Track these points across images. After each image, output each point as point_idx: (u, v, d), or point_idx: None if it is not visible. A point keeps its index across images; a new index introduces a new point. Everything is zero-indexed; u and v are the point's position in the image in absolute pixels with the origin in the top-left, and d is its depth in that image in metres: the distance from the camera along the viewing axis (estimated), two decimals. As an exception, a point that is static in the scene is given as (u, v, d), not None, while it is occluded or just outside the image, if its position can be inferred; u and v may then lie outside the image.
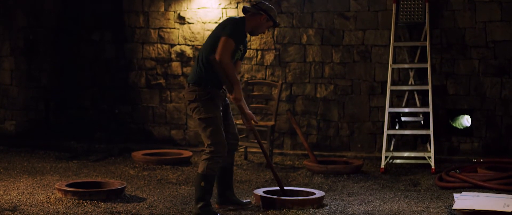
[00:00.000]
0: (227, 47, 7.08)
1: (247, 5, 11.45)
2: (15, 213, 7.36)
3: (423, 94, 10.76)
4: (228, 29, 7.12)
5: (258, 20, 7.38)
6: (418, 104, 10.84)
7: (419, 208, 7.73)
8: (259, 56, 11.60)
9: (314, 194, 7.94)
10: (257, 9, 7.38)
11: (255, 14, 7.39)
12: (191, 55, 11.94)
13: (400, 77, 11.09)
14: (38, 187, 8.72)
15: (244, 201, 7.72)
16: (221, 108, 7.32)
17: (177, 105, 12.09)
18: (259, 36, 11.54)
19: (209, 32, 11.60)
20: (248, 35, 7.49)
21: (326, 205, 7.85)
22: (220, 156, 7.16)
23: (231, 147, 7.48)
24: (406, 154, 10.51)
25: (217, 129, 7.15)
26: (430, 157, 10.11)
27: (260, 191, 7.91)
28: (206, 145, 7.17)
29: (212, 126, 7.14)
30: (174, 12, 12.00)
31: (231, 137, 7.48)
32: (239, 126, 9.98)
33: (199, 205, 7.16)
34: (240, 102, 7.27)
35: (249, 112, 7.59)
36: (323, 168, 9.83)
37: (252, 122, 7.60)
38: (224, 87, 7.28)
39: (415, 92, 10.85)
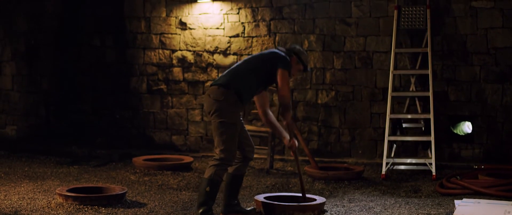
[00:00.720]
0: (288, 83, 7.28)
1: (248, 12, 11.47)
2: (16, 218, 7.38)
3: (424, 100, 10.76)
4: (283, 63, 7.27)
5: (291, 63, 7.44)
6: (419, 110, 10.84)
7: (420, 215, 7.74)
8: (260, 62, 11.59)
9: (315, 200, 7.93)
10: (289, 52, 7.44)
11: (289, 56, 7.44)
12: (192, 61, 11.95)
13: (401, 84, 11.08)
14: (39, 192, 8.72)
15: (248, 209, 7.69)
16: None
17: (178, 111, 12.09)
18: (260, 41, 11.55)
19: (211, 38, 11.72)
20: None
21: (327, 211, 7.84)
22: (228, 164, 7.17)
23: (248, 155, 7.46)
24: (407, 160, 10.50)
25: (233, 137, 7.14)
26: (431, 164, 10.10)
27: (261, 197, 7.91)
28: (217, 150, 7.15)
29: (229, 132, 7.12)
30: (176, 17, 12.01)
31: (248, 148, 7.46)
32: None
33: (200, 210, 7.14)
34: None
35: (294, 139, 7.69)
36: (324, 174, 9.82)
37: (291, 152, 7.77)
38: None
39: (416, 99, 10.85)
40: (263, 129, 10.65)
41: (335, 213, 7.79)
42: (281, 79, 7.20)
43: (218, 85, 7.19)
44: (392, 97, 10.50)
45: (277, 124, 7.56)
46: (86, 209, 7.75)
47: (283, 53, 7.37)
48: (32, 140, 12.11)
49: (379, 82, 11.15)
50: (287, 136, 7.54)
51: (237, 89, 7.14)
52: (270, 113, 7.52)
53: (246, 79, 7.21)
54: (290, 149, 7.62)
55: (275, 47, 7.84)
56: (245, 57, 7.79)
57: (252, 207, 7.77)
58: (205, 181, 7.14)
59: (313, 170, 9.95)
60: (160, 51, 12.13)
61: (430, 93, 10.28)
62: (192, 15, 11.92)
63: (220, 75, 7.82)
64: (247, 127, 10.59)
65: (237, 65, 7.38)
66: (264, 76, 7.29)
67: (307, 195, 8.17)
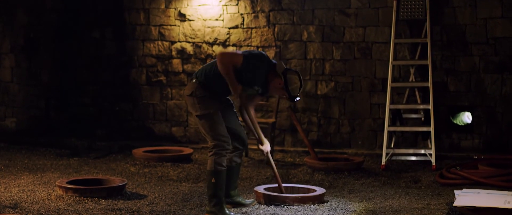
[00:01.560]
0: (233, 56, 7.07)
1: (248, 4, 11.46)
2: (16, 210, 7.36)
3: (424, 91, 10.76)
4: (249, 52, 7.13)
5: (275, 82, 7.20)
6: (418, 101, 10.84)
7: (420, 205, 7.74)
8: (259, 53, 11.59)
9: (315, 191, 7.95)
10: (285, 72, 7.15)
11: (276, 75, 7.18)
12: (191, 53, 11.94)
13: (401, 74, 11.08)
14: (39, 184, 8.73)
15: (247, 201, 7.70)
16: (223, 110, 7.32)
17: (177, 103, 12.09)
18: (259, 32, 11.55)
19: (210, 29, 11.70)
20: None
21: (327, 202, 7.85)
22: (224, 149, 7.14)
23: (239, 145, 7.49)
24: (407, 151, 10.51)
25: (215, 123, 7.14)
26: (430, 154, 10.11)
27: (261, 188, 7.92)
28: (209, 141, 7.17)
29: (210, 121, 7.14)
30: (175, 9, 12.00)
31: (238, 138, 7.46)
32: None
33: (212, 203, 7.13)
34: (238, 95, 7.13)
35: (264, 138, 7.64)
36: (323, 165, 9.82)
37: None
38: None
39: (415, 89, 10.85)
40: (262, 120, 10.65)
41: (335, 203, 7.80)
42: (229, 50, 7.10)
43: (193, 80, 7.27)
44: (392, 88, 10.50)
45: (251, 124, 7.47)
46: (86, 201, 7.75)
47: (264, 56, 7.20)
48: (32, 132, 12.12)
49: (378, 73, 11.15)
50: (262, 140, 7.56)
51: (203, 82, 7.16)
52: (251, 111, 7.45)
53: (215, 74, 7.14)
54: (263, 153, 7.67)
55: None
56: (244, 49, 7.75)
57: (252, 200, 7.77)
58: (208, 174, 7.15)
59: (313, 161, 9.95)
60: (160, 42, 12.13)
61: (430, 84, 10.28)
62: (191, 6, 11.91)
63: None
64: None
65: (211, 63, 7.36)
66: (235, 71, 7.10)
67: (308, 186, 8.19)
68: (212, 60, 7.40)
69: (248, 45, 11.62)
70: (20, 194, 8.11)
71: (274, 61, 7.26)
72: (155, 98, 12.21)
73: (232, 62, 7.01)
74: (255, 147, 10.95)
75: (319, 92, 11.41)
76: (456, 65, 10.84)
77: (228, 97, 7.48)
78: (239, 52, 7.10)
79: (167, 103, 12.15)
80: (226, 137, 7.17)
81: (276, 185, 7.96)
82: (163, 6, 12.06)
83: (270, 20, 11.54)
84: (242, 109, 7.43)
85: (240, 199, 7.63)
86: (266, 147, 7.61)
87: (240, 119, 7.55)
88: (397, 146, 10.85)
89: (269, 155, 7.74)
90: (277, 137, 11.43)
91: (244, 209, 7.50)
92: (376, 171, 9.90)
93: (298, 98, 7.23)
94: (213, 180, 7.10)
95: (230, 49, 7.20)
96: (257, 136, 7.55)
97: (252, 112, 7.51)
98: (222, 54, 7.09)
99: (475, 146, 10.81)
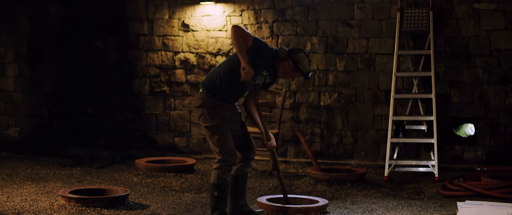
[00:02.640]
0: (246, 32, 6.91)
1: (251, 14, 11.47)
2: (19, 219, 7.38)
3: (427, 102, 10.75)
4: (255, 38, 7.03)
5: (284, 66, 7.15)
6: (421, 112, 10.83)
7: (422, 217, 7.74)
8: (263, 64, 11.59)
9: (317, 202, 7.94)
10: (288, 55, 7.12)
11: (283, 59, 7.15)
12: (195, 63, 11.95)
13: (404, 86, 11.08)
14: (42, 193, 8.73)
15: (257, 211, 7.64)
16: (231, 120, 7.25)
17: (180, 113, 12.09)
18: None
19: (213, 40, 11.71)
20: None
21: (330, 213, 7.84)
22: (229, 164, 7.11)
23: (248, 155, 7.41)
24: (409, 162, 10.49)
25: (223, 137, 7.09)
26: (433, 165, 10.10)
27: (263, 199, 7.91)
28: (215, 154, 7.14)
29: (218, 134, 7.09)
30: (178, 19, 12.01)
31: (247, 147, 7.40)
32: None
33: None
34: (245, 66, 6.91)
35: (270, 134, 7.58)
36: (326, 176, 9.81)
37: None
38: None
39: (419, 101, 10.84)
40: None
41: (338, 215, 7.80)
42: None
43: (200, 90, 7.19)
44: (395, 99, 10.50)
45: (257, 117, 7.39)
46: (88, 210, 7.75)
47: (266, 45, 7.16)
48: (34, 141, 12.11)
49: (381, 84, 11.15)
50: (267, 135, 7.48)
51: (212, 91, 7.10)
52: (254, 105, 7.36)
53: (222, 77, 7.09)
54: (268, 148, 7.60)
55: (277, 47, 7.69)
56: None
57: (261, 210, 7.71)
58: (211, 186, 7.12)
59: (316, 172, 9.94)
60: (163, 53, 12.14)
61: (433, 95, 10.28)
62: (194, 17, 11.92)
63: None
64: (249, 129, 10.60)
65: (214, 68, 7.32)
66: (238, 73, 6.98)
67: (310, 197, 8.18)
68: (216, 66, 7.35)
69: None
70: (23, 204, 8.10)
71: (275, 48, 7.24)
72: (158, 109, 12.21)
73: (245, 36, 6.89)
74: (258, 157, 11.02)
75: (322, 103, 11.41)
76: (459, 77, 10.84)
77: (236, 105, 7.42)
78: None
79: (170, 114, 12.16)
80: (233, 151, 7.13)
81: (281, 195, 7.95)
82: (166, 17, 12.08)
83: (273, 31, 11.55)
84: (248, 99, 7.35)
85: (248, 208, 7.56)
86: (272, 142, 7.55)
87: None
88: (400, 157, 10.83)
89: (274, 150, 7.69)
90: (280, 148, 11.42)
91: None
92: (378, 183, 9.90)
93: (311, 74, 7.26)
94: (216, 193, 7.09)
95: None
96: (262, 130, 7.47)
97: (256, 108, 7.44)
98: (237, 27, 6.91)
99: (478, 158, 10.80)
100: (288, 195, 7.95)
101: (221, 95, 7.12)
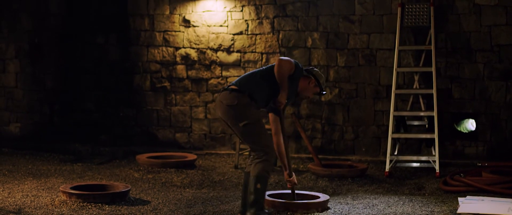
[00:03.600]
0: (291, 63, 7.05)
1: (252, 10, 11.47)
2: (20, 215, 7.39)
3: (428, 98, 10.75)
4: (296, 64, 7.14)
5: (306, 83, 7.34)
6: (423, 108, 10.83)
7: (423, 212, 7.73)
8: (264, 60, 11.60)
9: (318, 197, 7.94)
10: (308, 73, 7.35)
11: (305, 76, 7.33)
12: (196, 58, 11.95)
13: (405, 81, 11.08)
14: (43, 189, 8.73)
15: (266, 211, 7.60)
16: None
17: (181, 109, 12.09)
18: (263, 39, 11.55)
19: (214, 36, 11.71)
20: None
21: (331, 209, 7.84)
22: (273, 157, 7.14)
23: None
24: (410, 158, 10.50)
25: (264, 131, 7.12)
26: (434, 161, 10.09)
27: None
28: (256, 150, 7.09)
29: (259, 128, 7.08)
30: (179, 15, 12.01)
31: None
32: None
33: (253, 209, 7.08)
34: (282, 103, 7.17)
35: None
36: (327, 171, 9.82)
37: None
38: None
39: (420, 96, 10.84)
40: (266, 126, 10.63)
41: (339, 210, 7.79)
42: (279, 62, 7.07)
43: (229, 90, 7.11)
44: (396, 94, 10.50)
45: (283, 151, 7.46)
46: (89, 206, 7.76)
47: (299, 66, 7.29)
48: (36, 137, 12.12)
49: (382, 79, 11.15)
50: (290, 171, 7.53)
51: (248, 92, 7.06)
52: (281, 137, 7.42)
53: (257, 83, 7.12)
54: (288, 183, 7.59)
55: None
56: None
57: (271, 209, 7.67)
58: (254, 179, 7.05)
59: (317, 167, 9.95)
60: (164, 48, 12.14)
61: (434, 91, 10.28)
62: (195, 12, 11.92)
63: (232, 79, 7.63)
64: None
65: (250, 72, 7.32)
66: (275, 82, 7.11)
67: (312, 193, 8.18)
68: (248, 72, 7.35)
69: (252, 52, 11.63)
70: (24, 200, 8.11)
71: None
72: (159, 104, 12.22)
73: (290, 69, 7.06)
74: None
75: (323, 98, 11.41)
76: (460, 73, 10.84)
77: None
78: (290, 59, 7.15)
79: (171, 109, 12.16)
80: (272, 144, 7.19)
81: (281, 191, 7.94)
82: (167, 12, 12.07)
83: (274, 26, 11.54)
84: (276, 124, 7.42)
85: None
86: (294, 178, 7.58)
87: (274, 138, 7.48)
88: (401, 152, 10.83)
89: (294, 187, 7.74)
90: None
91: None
92: (380, 178, 9.90)
93: (325, 92, 7.50)
94: (258, 186, 7.03)
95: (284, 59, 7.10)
96: (286, 165, 7.50)
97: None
98: (283, 60, 7.03)
99: (479, 153, 10.80)
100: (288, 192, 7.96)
101: (251, 95, 7.08)
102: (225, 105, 7.08)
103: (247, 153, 10.95)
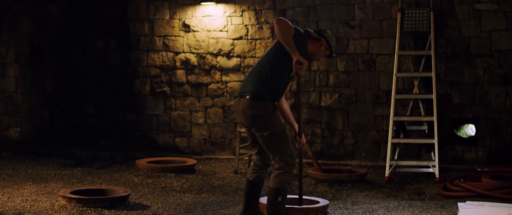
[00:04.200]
0: (289, 25, 6.71)
1: (252, 15, 11.47)
2: (19, 220, 7.38)
3: (428, 103, 10.75)
4: (295, 27, 6.85)
5: (317, 46, 7.09)
6: (422, 113, 10.83)
7: (423, 217, 7.74)
8: (263, 65, 11.60)
9: (318, 202, 7.93)
10: (320, 35, 7.11)
11: (316, 39, 7.09)
12: (195, 63, 11.95)
13: (405, 86, 11.08)
14: (42, 194, 8.73)
15: None
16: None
17: (181, 113, 12.09)
18: (263, 44, 11.56)
19: (214, 40, 11.71)
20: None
21: (330, 214, 7.84)
22: (294, 167, 6.94)
23: (268, 162, 7.20)
24: (410, 163, 10.49)
25: (288, 140, 6.94)
26: (434, 166, 10.09)
27: (264, 199, 7.90)
28: (277, 159, 6.90)
29: (283, 139, 6.89)
30: (179, 20, 12.02)
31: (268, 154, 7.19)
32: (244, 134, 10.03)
33: None
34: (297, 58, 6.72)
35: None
36: (327, 176, 9.82)
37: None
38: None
39: (419, 101, 10.85)
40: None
41: (338, 215, 7.80)
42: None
43: (251, 98, 6.86)
44: (396, 99, 10.50)
45: (290, 114, 7.25)
46: (89, 211, 7.75)
47: (301, 31, 7.04)
48: (35, 142, 12.11)
49: (382, 84, 11.16)
50: (300, 131, 7.29)
51: (262, 96, 6.85)
52: (284, 101, 7.24)
53: (269, 78, 6.88)
54: (297, 144, 7.32)
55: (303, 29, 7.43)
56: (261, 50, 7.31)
57: None
58: (274, 191, 6.86)
59: (317, 172, 9.95)
60: (164, 53, 12.14)
61: (434, 96, 10.28)
62: (195, 17, 11.93)
63: (244, 79, 7.24)
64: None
65: (257, 72, 6.99)
66: (287, 62, 6.81)
67: (311, 198, 8.17)
68: (254, 71, 7.01)
69: (252, 57, 11.64)
70: (24, 204, 8.11)
71: (311, 31, 7.17)
72: (159, 109, 12.22)
73: (289, 28, 6.71)
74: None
75: (323, 103, 11.41)
76: (460, 78, 10.85)
77: None
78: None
79: (171, 114, 12.16)
80: (295, 155, 6.99)
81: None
82: (167, 17, 12.08)
83: (274, 31, 11.53)
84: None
85: (262, 212, 7.44)
86: (303, 139, 7.35)
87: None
88: (400, 158, 10.83)
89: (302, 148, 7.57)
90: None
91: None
92: (379, 183, 9.90)
93: (334, 54, 7.28)
94: (279, 199, 6.86)
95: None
96: (295, 126, 7.29)
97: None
98: (281, 20, 6.72)
99: (479, 158, 10.80)
100: (290, 196, 7.94)
101: (270, 97, 6.90)
102: (249, 117, 6.86)
103: (247, 158, 10.95)
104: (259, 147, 7.10)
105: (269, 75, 6.88)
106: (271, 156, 6.99)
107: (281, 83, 6.97)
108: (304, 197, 8.23)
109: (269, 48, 7.10)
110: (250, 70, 7.19)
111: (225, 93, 11.89)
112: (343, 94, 11.34)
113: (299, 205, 7.81)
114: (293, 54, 6.64)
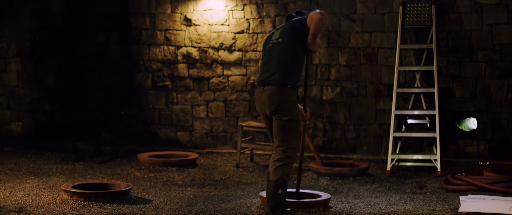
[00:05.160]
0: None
1: (253, 9, 11.47)
2: (21, 214, 7.37)
3: (429, 96, 10.75)
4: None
5: None
6: (424, 106, 10.83)
7: (425, 211, 7.72)
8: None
9: (320, 196, 7.94)
10: (300, 16, 7.30)
11: None
12: (197, 57, 11.95)
13: (407, 80, 11.08)
14: (44, 188, 8.74)
15: (288, 209, 7.49)
16: None
17: (183, 107, 12.09)
18: (265, 37, 11.49)
19: (216, 34, 11.70)
20: None
21: (332, 208, 7.84)
22: (294, 161, 6.98)
23: None
24: (412, 157, 10.49)
25: (299, 134, 7.07)
26: (436, 160, 10.09)
27: (265, 193, 7.90)
28: (281, 148, 6.93)
29: (297, 130, 6.99)
30: (181, 14, 12.01)
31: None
32: (245, 128, 10.02)
33: (278, 214, 6.94)
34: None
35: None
36: (329, 170, 9.82)
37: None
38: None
39: (421, 95, 10.84)
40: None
41: (340, 209, 7.79)
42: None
43: (279, 84, 6.95)
44: (397, 93, 10.50)
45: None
46: (91, 205, 7.76)
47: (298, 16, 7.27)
48: (37, 136, 12.12)
49: (384, 78, 11.15)
50: (306, 105, 7.33)
51: (294, 82, 7.02)
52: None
53: (293, 64, 7.02)
54: (302, 120, 7.28)
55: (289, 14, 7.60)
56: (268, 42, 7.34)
57: (289, 209, 7.55)
58: (274, 184, 6.87)
59: (318, 166, 9.95)
60: (165, 47, 12.14)
61: (435, 90, 10.27)
62: (197, 11, 11.92)
63: (262, 65, 7.33)
64: (252, 123, 10.63)
65: (277, 52, 7.08)
66: (302, 47, 7.06)
67: (313, 192, 8.17)
68: (271, 58, 7.14)
69: (253, 50, 11.63)
70: (25, 198, 8.11)
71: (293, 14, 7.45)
72: (160, 103, 12.22)
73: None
74: (261, 152, 11.02)
75: (324, 97, 11.41)
76: (461, 71, 10.84)
77: None
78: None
79: (173, 108, 12.16)
80: (298, 149, 7.08)
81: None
82: (169, 11, 12.07)
83: (276, 25, 11.54)
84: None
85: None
86: (308, 114, 7.36)
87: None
88: (402, 151, 10.83)
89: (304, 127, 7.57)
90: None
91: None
92: (381, 177, 9.90)
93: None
94: (279, 191, 6.87)
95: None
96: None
97: None
98: (326, 16, 7.07)
99: (480, 152, 10.80)
100: (292, 190, 7.94)
101: (294, 83, 7.05)
102: (277, 102, 6.92)
103: (248, 152, 10.96)
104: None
105: (291, 61, 7.02)
106: (275, 144, 7.02)
107: (300, 67, 7.13)
108: (305, 191, 8.25)
109: (273, 36, 7.23)
110: (252, 63, 7.24)
111: (227, 87, 11.88)
112: (345, 88, 11.33)
113: (296, 198, 7.80)
114: (314, 45, 7.10)
